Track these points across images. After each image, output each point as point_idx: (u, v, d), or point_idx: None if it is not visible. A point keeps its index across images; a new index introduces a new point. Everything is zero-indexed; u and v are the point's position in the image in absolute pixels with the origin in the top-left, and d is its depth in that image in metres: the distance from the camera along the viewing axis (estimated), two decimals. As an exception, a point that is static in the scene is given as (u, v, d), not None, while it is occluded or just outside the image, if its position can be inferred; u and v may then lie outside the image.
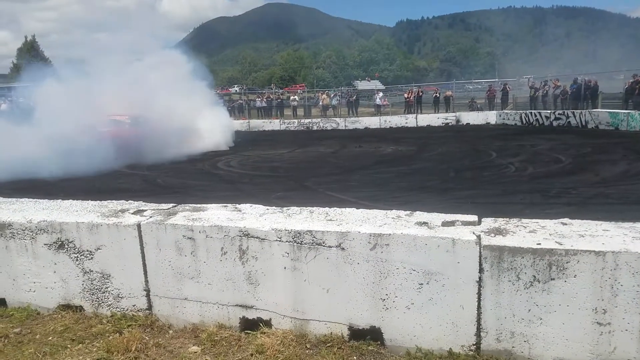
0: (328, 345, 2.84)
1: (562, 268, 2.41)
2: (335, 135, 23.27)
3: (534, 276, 2.46)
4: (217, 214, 3.27)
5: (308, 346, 2.86)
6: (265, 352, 2.78)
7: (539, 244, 2.47)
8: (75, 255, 3.36)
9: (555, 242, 2.48)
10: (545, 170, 10.44)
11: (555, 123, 21.50)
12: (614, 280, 2.35)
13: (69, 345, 3.02)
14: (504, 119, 25.18)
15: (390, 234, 2.69)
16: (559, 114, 21.66)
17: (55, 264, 3.42)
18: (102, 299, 3.38)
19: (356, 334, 2.86)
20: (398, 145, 16.90)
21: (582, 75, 24.46)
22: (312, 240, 2.83)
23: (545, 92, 24.97)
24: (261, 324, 3.04)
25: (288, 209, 3.31)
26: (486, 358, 2.61)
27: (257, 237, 2.95)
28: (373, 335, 2.83)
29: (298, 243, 2.86)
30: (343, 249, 2.78)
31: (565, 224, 2.75)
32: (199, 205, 3.57)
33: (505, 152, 13.37)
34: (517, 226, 2.76)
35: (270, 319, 3.04)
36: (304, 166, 12.91)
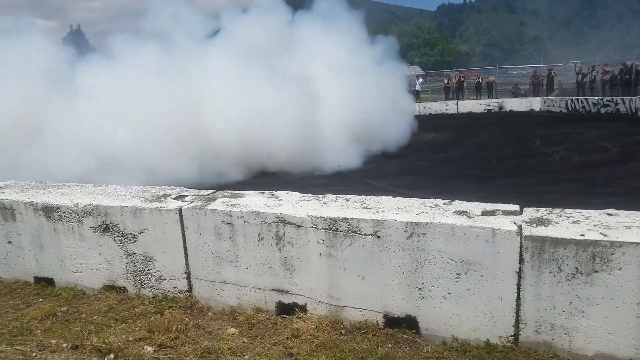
0: (363, 332, 2.85)
1: (606, 260, 2.33)
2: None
3: (577, 268, 2.39)
4: (254, 201, 3.31)
5: (343, 332, 2.88)
6: (300, 337, 2.82)
7: (583, 235, 2.40)
8: (120, 238, 3.48)
9: (600, 233, 2.40)
10: (591, 159, 10.09)
11: (603, 110, 20.64)
12: (662, 274, 2.26)
13: (112, 325, 3.14)
14: (549, 105, 24.36)
15: (427, 223, 2.66)
16: (607, 100, 20.77)
17: (101, 246, 3.55)
18: (144, 281, 3.49)
19: (391, 321, 2.86)
20: (438, 132, 16.63)
21: (633, 59, 23.34)
22: (348, 227, 2.83)
23: (593, 77, 24.00)
24: (297, 309, 3.08)
25: (324, 197, 3.32)
26: (524, 350, 2.56)
27: (293, 224, 2.97)
28: (408, 323, 2.82)
29: (334, 230, 2.87)
30: (379, 237, 2.77)
31: (611, 215, 2.66)
32: (237, 192, 3.63)
33: (549, 140, 12.97)
34: (560, 216, 2.69)
35: (306, 304, 3.07)
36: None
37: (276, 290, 3.13)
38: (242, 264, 3.17)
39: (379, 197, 3.20)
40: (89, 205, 3.52)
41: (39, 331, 3.12)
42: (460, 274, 2.63)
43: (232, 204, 3.24)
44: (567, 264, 2.40)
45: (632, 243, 2.28)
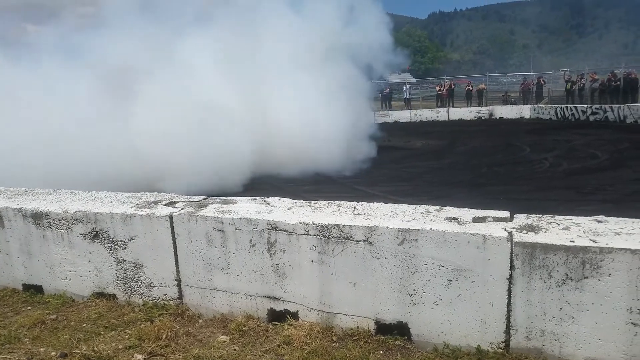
0: (354, 338, 2.84)
1: (596, 266, 2.35)
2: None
3: (567, 274, 2.40)
4: (246, 207, 3.30)
5: (334, 339, 2.87)
6: (292, 344, 2.81)
7: (573, 241, 2.41)
8: (109, 245, 3.45)
9: (590, 239, 2.42)
10: (581, 166, 10.18)
11: (592, 118, 20.85)
12: (650, 280, 2.28)
13: (102, 332, 3.11)
14: (538, 113, 24.58)
15: (419, 229, 2.67)
16: (596, 108, 21.00)
17: (90, 253, 3.52)
18: (134, 288, 3.46)
19: (383, 328, 2.85)
20: (429, 139, 16.72)
21: (621, 68, 23.64)
22: (340, 234, 2.83)
23: (581, 85, 24.26)
24: (288, 316, 3.07)
25: (316, 203, 3.32)
26: (515, 356, 2.57)
27: (285, 230, 2.97)
28: (400, 330, 2.82)
29: (325, 237, 2.86)
30: (370, 243, 2.77)
31: (601, 222, 2.68)
32: (228, 198, 3.62)
33: (539, 147, 13.08)
34: (550, 223, 2.70)
35: (297, 311, 3.06)
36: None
37: (268, 297, 3.11)
38: (234, 270, 3.15)
39: (371, 204, 3.21)
40: (79, 211, 3.49)
41: (27, 339, 3.08)
42: (451, 280, 2.64)
43: (223, 211, 3.23)
44: (557, 270, 2.42)
45: (621, 249, 2.30)
